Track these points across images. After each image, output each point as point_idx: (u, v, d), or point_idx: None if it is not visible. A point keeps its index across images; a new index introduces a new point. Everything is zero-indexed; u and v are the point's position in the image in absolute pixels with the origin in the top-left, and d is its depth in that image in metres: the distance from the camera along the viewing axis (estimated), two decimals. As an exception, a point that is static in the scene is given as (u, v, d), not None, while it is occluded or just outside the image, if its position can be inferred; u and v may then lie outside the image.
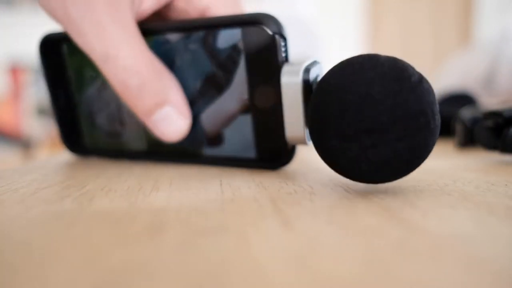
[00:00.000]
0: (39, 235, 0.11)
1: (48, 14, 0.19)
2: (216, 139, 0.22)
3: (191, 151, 0.23)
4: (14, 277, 0.09)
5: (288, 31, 0.20)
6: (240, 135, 0.21)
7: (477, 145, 0.27)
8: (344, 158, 0.15)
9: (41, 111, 2.14)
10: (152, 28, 0.21)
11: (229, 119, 0.21)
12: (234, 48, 0.20)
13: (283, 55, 0.19)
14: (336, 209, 0.14)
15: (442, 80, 0.69)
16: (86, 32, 0.18)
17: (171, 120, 0.20)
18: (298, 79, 0.18)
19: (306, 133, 0.19)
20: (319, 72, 0.20)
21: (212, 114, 0.21)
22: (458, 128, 0.30)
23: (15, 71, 2.12)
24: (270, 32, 0.19)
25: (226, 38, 0.20)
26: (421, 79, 0.14)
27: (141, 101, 0.19)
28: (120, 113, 0.24)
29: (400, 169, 0.15)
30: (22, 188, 0.17)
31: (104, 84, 0.24)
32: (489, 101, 0.51)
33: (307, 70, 0.19)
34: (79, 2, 0.18)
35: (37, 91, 2.13)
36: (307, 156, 0.30)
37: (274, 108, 0.20)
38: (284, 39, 0.19)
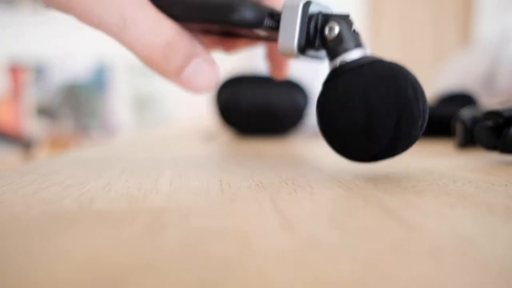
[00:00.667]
0: (39, 235, 0.11)
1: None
2: None
3: None
4: (14, 276, 0.09)
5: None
6: None
7: (477, 145, 0.27)
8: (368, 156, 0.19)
9: (41, 111, 2.14)
10: None
11: None
12: None
13: None
14: (336, 209, 0.14)
15: (442, 80, 0.68)
16: (92, 7, 0.18)
17: (203, 70, 0.20)
18: (299, 9, 0.20)
19: (296, 48, 0.21)
20: (320, 8, 0.21)
21: None
22: (458, 128, 0.30)
23: (15, 71, 2.12)
24: None
25: None
26: (416, 90, 0.18)
27: (170, 59, 0.19)
28: None
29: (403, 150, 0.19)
30: (22, 188, 0.17)
31: None
32: (489, 101, 0.51)
33: (307, 4, 0.20)
34: None
35: (37, 91, 2.13)
36: (307, 156, 0.30)
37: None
38: None
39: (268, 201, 0.15)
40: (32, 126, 2.13)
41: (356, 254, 0.10)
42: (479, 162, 0.25)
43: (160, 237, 0.11)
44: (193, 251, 0.10)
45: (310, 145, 0.38)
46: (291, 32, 0.20)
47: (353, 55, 0.19)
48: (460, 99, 0.45)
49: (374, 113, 0.18)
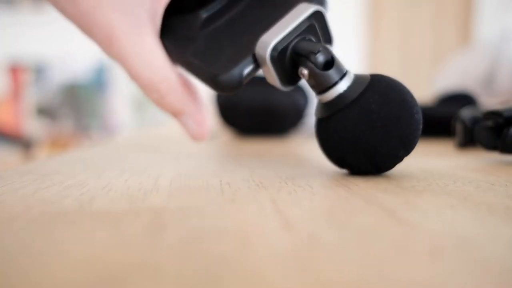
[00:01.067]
0: (39, 235, 0.11)
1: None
2: None
3: None
4: (15, 276, 0.09)
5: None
6: None
7: (477, 145, 0.27)
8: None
9: (41, 111, 2.14)
10: None
11: None
12: None
13: None
14: (336, 209, 0.14)
15: (442, 80, 0.68)
16: (114, 59, 0.22)
17: (190, 127, 0.23)
18: (267, 54, 0.20)
19: (282, 87, 0.22)
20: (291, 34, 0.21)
21: None
22: (458, 128, 0.30)
23: (15, 71, 2.12)
24: None
25: None
26: (398, 117, 0.18)
27: (163, 109, 0.23)
28: None
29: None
30: (22, 188, 0.17)
31: None
32: (489, 101, 0.51)
33: (277, 45, 0.20)
34: (102, 38, 0.21)
35: (37, 91, 2.13)
36: (307, 156, 0.30)
37: None
38: None
39: (268, 201, 0.15)
40: (32, 126, 2.13)
41: (356, 254, 0.10)
42: (479, 162, 0.25)
43: (160, 237, 0.11)
44: (193, 250, 0.10)
45: (310, 145, 0.38)
46: (272, 76, 0.21)
47: (334, 90, 0.19)
48: (460, 99, 0.45)
49: (357, 158, 0.19)
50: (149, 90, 0.22)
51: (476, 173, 0.21)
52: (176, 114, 0.22)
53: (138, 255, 0.10)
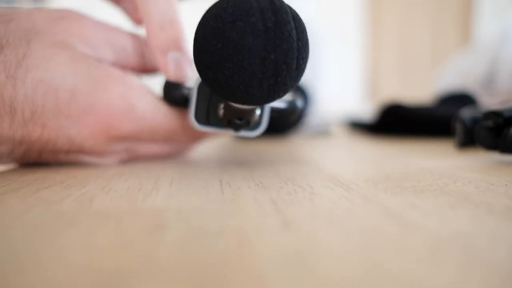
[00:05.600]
0: (39, 235, 0.11)
1: None
2: None
3: None
4: (14, 277, 0.09)
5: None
6: None
7: (477, 145, 0.27)
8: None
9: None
10: None
11: None
12: None
13: None
14: (336, 209, 0.14)
15: (442, 80, 0.69)
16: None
17: (181, 63, 0.24)
18: None
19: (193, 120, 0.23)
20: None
21: None
22: (458, 128, 0.30)
23: (15, 71, 2.11)
24: None
25: None
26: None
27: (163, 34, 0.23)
28: None
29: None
30: (23, 188, 0.17)
31: None
32: (489, 101, 0.51)
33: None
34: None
35: (37, 91, 2.13)
36: (307, 156, 0.30)
37: None
38: None
39: (268, 201, 0.15)
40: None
41: (356, 254, 0.10)
42: (479, 162, 0.25)
43: (160, 237, 0.11)
44: (193, 250, 0.10)
45: (310, 145, 0.38)
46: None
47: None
48: (460, 99, 0.45)
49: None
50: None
51: (476, 173, 0.21)
52: (174, 47, 0.24)
53: (138, 255, 0.10)
